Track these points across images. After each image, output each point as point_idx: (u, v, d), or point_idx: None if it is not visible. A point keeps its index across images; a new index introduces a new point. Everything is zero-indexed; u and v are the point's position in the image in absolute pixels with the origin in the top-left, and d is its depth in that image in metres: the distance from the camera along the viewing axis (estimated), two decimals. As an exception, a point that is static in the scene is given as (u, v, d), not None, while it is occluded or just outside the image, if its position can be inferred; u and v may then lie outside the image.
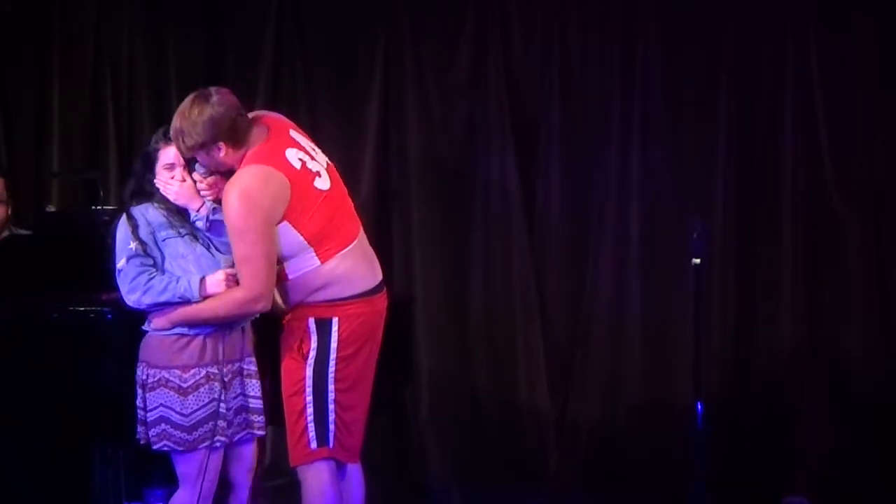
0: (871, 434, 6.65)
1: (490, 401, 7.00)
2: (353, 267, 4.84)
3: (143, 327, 4.82)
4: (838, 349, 6.73)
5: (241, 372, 4.85)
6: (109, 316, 5.01)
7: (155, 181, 4.81)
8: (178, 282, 4.73)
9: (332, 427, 4.81)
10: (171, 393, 4.74)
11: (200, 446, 4.75)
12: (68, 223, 6.07)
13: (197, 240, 4.79)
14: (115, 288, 4.89)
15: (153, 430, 4.77)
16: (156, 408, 4.76)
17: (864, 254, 6.73)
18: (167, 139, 4.79)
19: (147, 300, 4.74)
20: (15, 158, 7.03)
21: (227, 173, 4.79)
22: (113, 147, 7.05)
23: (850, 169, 6.74)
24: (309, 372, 4.80)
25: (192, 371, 4.75)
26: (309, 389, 4.80)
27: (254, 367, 4.88)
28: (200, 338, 4.76)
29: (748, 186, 6.82)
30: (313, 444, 4.81)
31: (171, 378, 4.74)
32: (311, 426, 4.80)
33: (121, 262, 4.76)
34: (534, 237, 7.00)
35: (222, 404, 4.76)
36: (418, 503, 6.89)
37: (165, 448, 4.78)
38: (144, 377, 4.78)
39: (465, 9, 7.00)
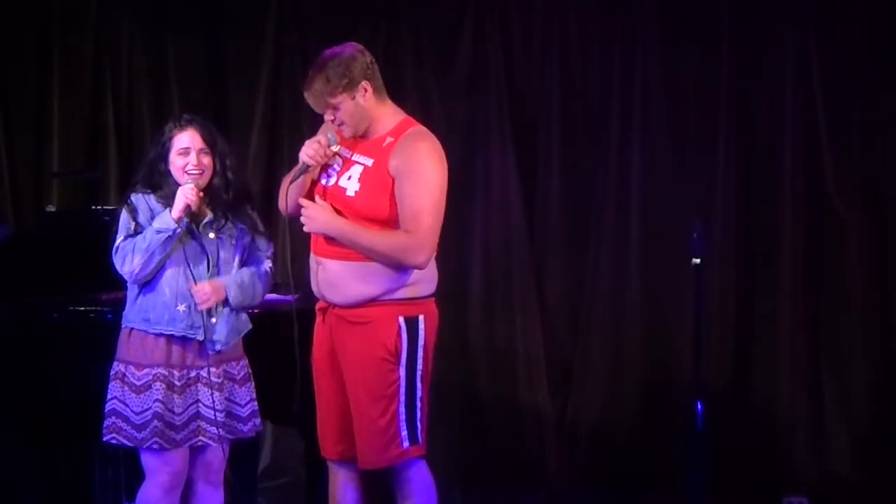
0: (871, 434, 6.65)
1: (490, 401, 6.99)
2: (434, 266, 4.80)
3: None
4: (838, 349, 6.73)
5: (198, 379, 4.76)
6: (109, 316, 5.01)
7: (170, 168, 4.75)
8: (150, 224, 4.69)
9: (419, 425, 4.71)
10: (127, 389, 4.71)
11: (145, 445, 4.71)
12: (68, 223, 6.07)
13: (190, 237, 4.73)
14: (115, 287, 4.88)
15: (104, 421, 4.75)
16: (109, 400, 4.74)
17: (864, 254, 6.72)
18: (181, 125, 4.76)
19: (138, 259, 4.66)
20: (15, 158, 7.02)
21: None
22: (113, 147, 7.04)
23: (850, 169, 6.73)
24: (402, 372, 4.66)
25: (145, 370, 4.71)
26: (403, 391, 4.66)
27: (216, 379, 4.76)
28: (152, 336, 4.71)
29: (748, 186, 6.81)
30: (405, 444, 4.69)
31: (127, 374, 4.72)
32: (404, 426, 4.67)
33: (118, 241, 4.71)
34: (534, 237, 7.00)
35: (160, 404, 4.69)
36: (418, 503, 6.88)
37: (114, 441, 4.76)
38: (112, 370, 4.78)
39: (465, 9, 7.00)
